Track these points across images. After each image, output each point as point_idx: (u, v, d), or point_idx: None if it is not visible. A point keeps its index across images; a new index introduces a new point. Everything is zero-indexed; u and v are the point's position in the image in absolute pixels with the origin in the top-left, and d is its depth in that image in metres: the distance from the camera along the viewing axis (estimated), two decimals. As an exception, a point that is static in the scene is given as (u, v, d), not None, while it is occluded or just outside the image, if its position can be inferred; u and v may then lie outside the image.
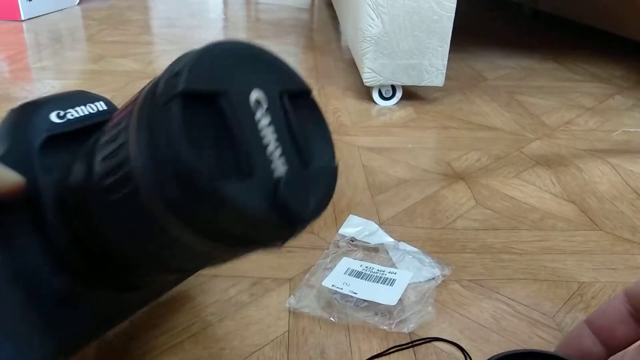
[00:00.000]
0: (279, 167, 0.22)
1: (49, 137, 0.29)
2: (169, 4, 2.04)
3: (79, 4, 1.86)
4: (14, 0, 1.52)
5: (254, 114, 0.22)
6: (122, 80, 1.02)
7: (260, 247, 0.23)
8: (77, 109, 0.31)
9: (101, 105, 0.32)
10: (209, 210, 0.20)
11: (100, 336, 0.31)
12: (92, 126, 0.31)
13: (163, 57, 1.22)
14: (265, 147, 0.22)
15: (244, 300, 0.43)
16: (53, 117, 0.30)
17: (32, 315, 0.26)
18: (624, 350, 0.27)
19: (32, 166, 0.28)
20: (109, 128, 0.24)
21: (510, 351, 0.27)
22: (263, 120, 0.22)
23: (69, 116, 0.30)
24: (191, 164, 0.19)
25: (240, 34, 1.57)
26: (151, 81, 0.23)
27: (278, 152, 0.22)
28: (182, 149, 0.19)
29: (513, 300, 0.44)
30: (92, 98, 0.32)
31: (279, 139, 0.22)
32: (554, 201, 0.62)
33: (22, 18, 1.54)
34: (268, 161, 0.21)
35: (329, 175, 0.24)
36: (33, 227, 0.28)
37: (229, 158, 0.21)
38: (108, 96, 1.00)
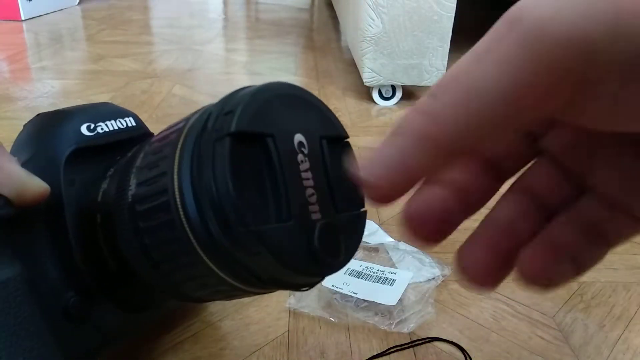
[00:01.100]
0: (315, 213, 0.22)
1: (77, 149, 0.29)
2: (169, 4, 2.04)
3: (79, 4, 1.86)
4: (14, 0, 1.52)
5: (296, 157, 0.22)
6: (122, 80, 1.02)
7: (286, 289, 0.24)
8: (108, 122, 0.31)
9: (130, 122, 0.32)
10: (245, 252, 0.20)
11: (105, 354, 0.31)
12: (120, 142, 0.30)
13: (163, 57, 1.22)
14: (304, 192, 0.22)
15: (244, 300, 0.43)
16: (83, 129, 0.29)
17: (45, 329, 0.26)
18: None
19: (56, 177, 0.28)
20: (146, 153, 0.24)
21: None
22: (303, 164, 0.22)
23: (99, 130, 0.30)
24: (236, 204, 0.19)
25: (240, 34, 1.57)
26: (197, 112, 0.23)
27: (314, 198, 0.22)
28: (229, 188, 0.19)
29: (513, 300, 0.44)
30: (122, 112, 0.32)
31: (316, 185, 0.23)
32: (554, 201, 0.62)
33: (22, 18, 1.55)
34: (306, 207, 0.22)
35: (359, 221, 0.25)
36: (50, 239, 0.27)
37: (270, 200, 0.21)
38: (108, 96, 1.00)
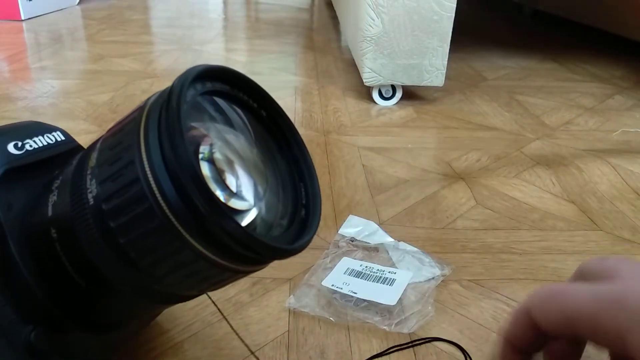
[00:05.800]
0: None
1: (8, 170, 0.27)
2: (169, 4, 2.04)
3: (79, 4, 1.86)
4: (14, 0, 1.52)
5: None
6: (122, 80, 1.02)
7: (279, 258, 0.24)
8: (35, 139, 0.29)
9: (59, 136, 0.31)
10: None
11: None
12: (52, 157, 0.29)
13: (163, 57, 1.22)
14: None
15: (244, 300, 0.43)
16: (10, 148, 0.28)
17: None
18: None
19: None
20: (101, 150, 0.23)
21: None
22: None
23: (27, 147, 0.29)
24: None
25: (240, 34, 1.57)
26: (149, 98, 0.22)
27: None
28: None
29: (513, 300, 0.44)
30: (49, 129, 0.31)
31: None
32: (554, 201, 0.62)
33: (22, 18, 1.54)
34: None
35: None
36: None
37: None
38: (108, 96, 1.00)
